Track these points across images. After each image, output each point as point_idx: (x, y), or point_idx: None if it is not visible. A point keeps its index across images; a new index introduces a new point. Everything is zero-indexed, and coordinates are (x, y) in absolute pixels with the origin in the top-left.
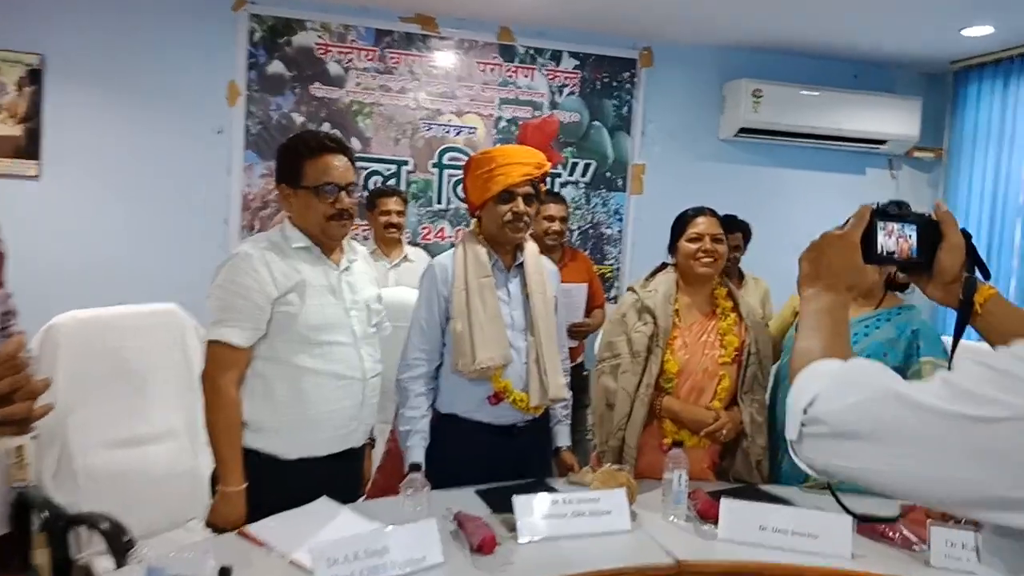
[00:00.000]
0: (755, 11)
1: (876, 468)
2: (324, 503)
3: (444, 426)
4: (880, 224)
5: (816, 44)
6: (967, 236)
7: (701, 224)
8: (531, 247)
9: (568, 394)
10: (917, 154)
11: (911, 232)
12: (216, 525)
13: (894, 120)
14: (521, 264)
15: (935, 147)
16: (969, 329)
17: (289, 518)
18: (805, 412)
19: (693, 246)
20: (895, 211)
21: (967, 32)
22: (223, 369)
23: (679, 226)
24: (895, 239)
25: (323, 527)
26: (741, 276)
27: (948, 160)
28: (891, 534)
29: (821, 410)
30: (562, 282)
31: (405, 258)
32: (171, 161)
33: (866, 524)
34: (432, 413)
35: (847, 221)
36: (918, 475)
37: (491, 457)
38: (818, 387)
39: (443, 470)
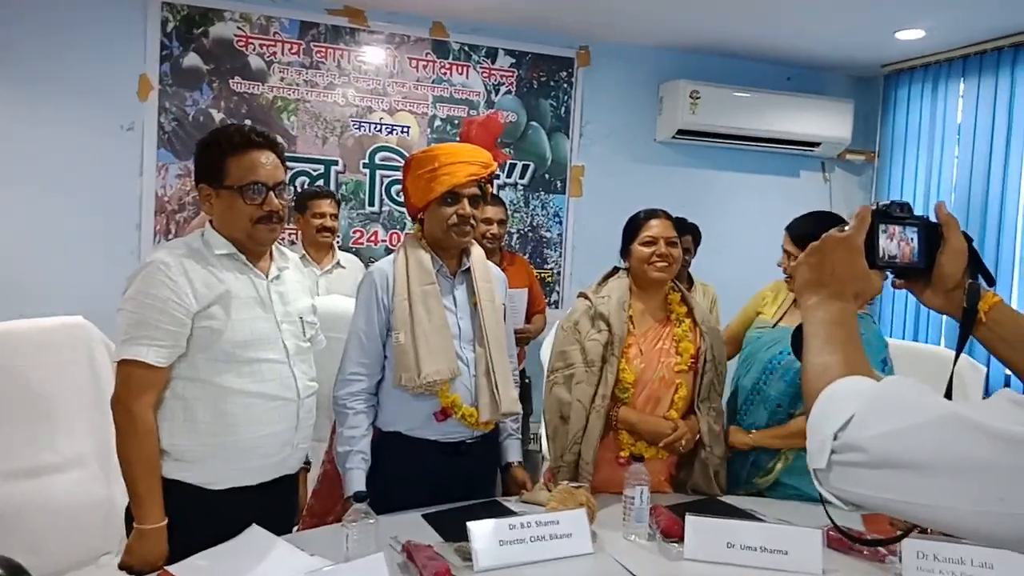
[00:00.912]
0: (691, 12)
1: (930, 502)
2: (256, 534)
3: (386, 445)
4: (881, 226)
5: (751, 46)
6: (969, 240)
7: (655, 227)
8: (477, 252)
9: (519, 408)
10: (849, 156)
11: (913, 235)
12: (133, 567)
13: (827, 122)
14: (467, 270)
15: (867, 150)
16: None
17: (217, 555)
18: (836, 438)
19: (647, 250)
20: (898, 212)
21: (900, 36)
22: (137, 392)
23: (631, 229)
24: (897, 242)
25: (257, 565)
26: (691, 281)
27: (879, 163)
28: (856, 545)
29: (859, 436)
30: None
31: (338, 264)
32: (76, 160)
33: (835, 537)
34: (373, 432)
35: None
36: (986, 511)
37: (438, 477)
38: (851, 409)
39: (386, 492)
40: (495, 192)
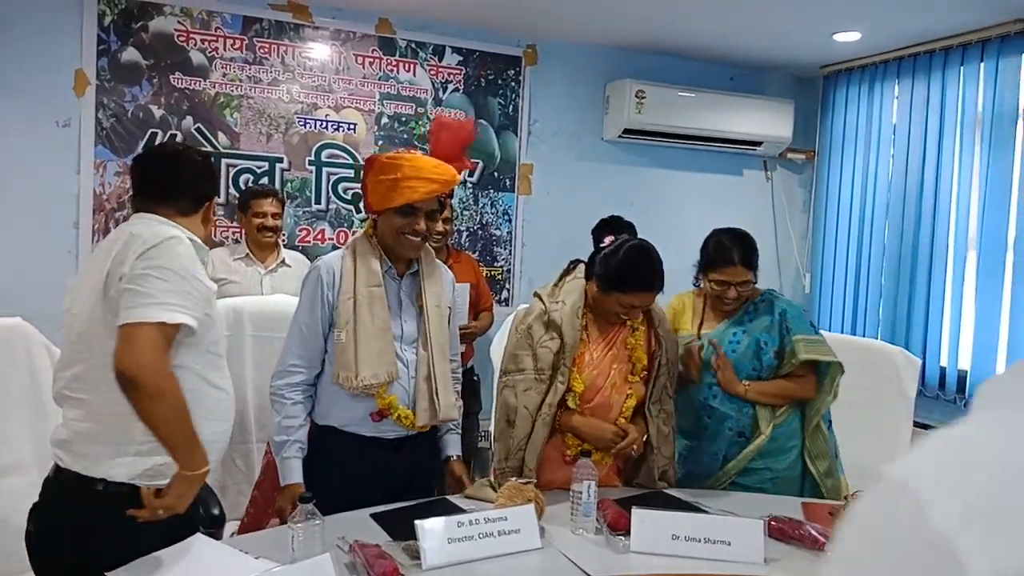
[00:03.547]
0: (636, 12)
1: None
2: (198, 541)
3: (321, 439)
4: None
5: (695, 47)
6: None
7: (642, 299)
8: (428, 254)
9: (458, 414)
10: (790, 155)
11: None
12: (166, 507)
13: (769, 122)
14: (416, 272)
15: (807, 149)
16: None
17: (160, 560)
18: None
19: (623, 308)
20: None
21: (838, 38)
22: (167, 354)
23: (617, 276)
24: None
25: (201, 569)
26: None
27: (819, 161)
28: (797, 533)
29: None
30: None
31: (283, 263)
32: (10, 157)
33: (776, 527)
34: (309, 424)
35: None
36: None
37: (374, 472)
38: None
39: (322, 487)
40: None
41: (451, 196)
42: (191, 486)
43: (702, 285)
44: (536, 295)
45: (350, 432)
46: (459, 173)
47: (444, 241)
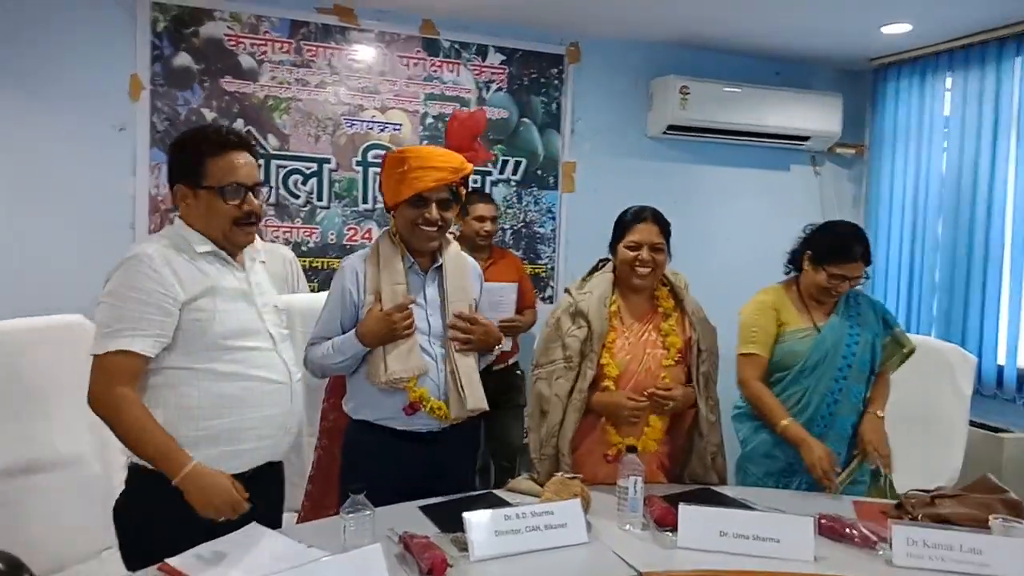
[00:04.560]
0: (680, 7)
1: None
2: (253, 530)
3: (357, 432)
4: None
5: (740, 41)
6: None
7: (640, 231)
8: (452, 248)
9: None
10: (839, 150)
11: None
12: (218, 514)
13: (816, 117)
14: (440, 266)
15: (856, 143)
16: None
17: (216, 548)
18: None
19: (631, 254)
20: None
21: (886, 30)
22: (117, 379)
23: (619, 227)
24: None
25: (256, 557)
26: None
27: (869, 156)
28: (850, 532)
29: None
30: (490, 281)
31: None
32: (68, 162)
33: (826, 524)
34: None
35: None
36: None
37: (407, 465)
38: None
39: (357, 478)
40: (487, 190)
41: (466, 186)
42: (191, 488)
43: (805, 271)
44: (566, 290)
45: (383, 426)
46: (472, 162)
47: (489, 240)
